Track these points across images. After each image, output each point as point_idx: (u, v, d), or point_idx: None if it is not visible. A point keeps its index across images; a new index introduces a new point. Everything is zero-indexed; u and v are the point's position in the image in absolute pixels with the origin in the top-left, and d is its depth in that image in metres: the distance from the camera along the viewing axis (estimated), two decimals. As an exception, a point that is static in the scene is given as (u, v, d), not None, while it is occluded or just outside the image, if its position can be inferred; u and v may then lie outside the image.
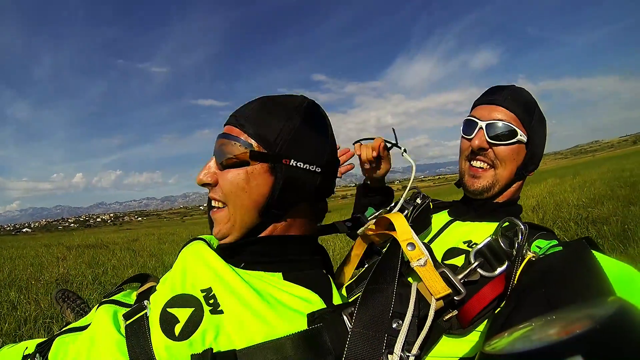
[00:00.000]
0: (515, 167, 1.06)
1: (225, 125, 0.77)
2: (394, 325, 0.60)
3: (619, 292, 0.51)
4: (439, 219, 1.15)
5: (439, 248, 1.01)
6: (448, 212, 1.18)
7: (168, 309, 0.65)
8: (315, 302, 0.68)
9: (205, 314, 0.63)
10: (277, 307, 0.65)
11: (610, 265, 0.58)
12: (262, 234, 0.77)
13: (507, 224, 0.80)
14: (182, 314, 0.64)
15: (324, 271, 0.83)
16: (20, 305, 3.14)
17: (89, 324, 0.76)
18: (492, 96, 1.09)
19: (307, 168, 0.73)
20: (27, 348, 0.89)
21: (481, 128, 1.05)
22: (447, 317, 0.70)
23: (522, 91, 1.10)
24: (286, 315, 0.63)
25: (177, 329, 0.62)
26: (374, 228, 0.93)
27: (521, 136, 1.03)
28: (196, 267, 0.72)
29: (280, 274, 0.73)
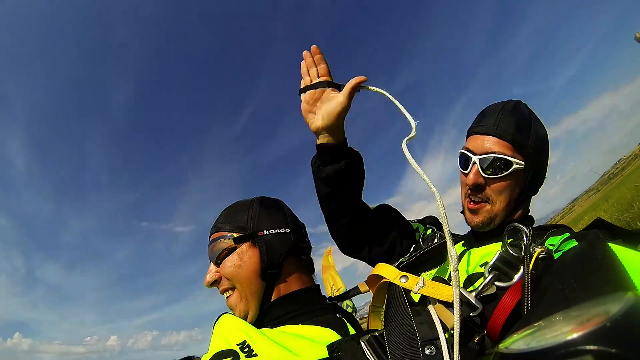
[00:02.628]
0: (514, 197, 1.01)
1: (209, 237, 0.95)
2: (427, 352, 0.59)
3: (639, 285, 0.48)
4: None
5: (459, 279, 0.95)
6: (462, 243, 1.14)
7: None
8: (333, 336, 0.76)
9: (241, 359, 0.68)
10: (300, 340, 0.73)
11: (629, 257, 0.54)
12: (273, 299, 0.89)
13: (511, 240, 0.81)
14: None
15: (338, 315, 0.90)
16: None
17: None
18: (483, 122, 1.04)
19: (278, 232, 0.91)
20: None
21: (475, 163, 0.99)
22: (477, 339, 0.68)
23: (514, 110, 1.02)
24: (309, 347, 0.70)
25: None
26: (371, 290, 0.95)
27: (517, 165, 0.97)
28: (230, 329, 0.79)
29: (300, 325, 0.82)
